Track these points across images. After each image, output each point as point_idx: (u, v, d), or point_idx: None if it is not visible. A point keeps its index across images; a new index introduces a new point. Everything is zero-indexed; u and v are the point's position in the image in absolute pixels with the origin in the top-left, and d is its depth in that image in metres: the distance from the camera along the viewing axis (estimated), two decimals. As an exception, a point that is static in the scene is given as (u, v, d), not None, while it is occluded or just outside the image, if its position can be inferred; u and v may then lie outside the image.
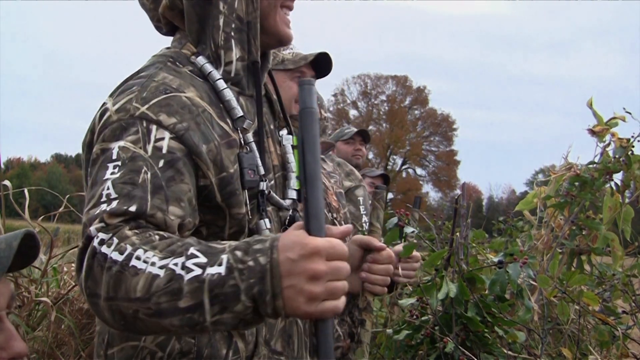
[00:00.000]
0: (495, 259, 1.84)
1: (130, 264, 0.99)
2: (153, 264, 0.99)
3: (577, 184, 2.30)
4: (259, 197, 1.29)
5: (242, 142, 1.29)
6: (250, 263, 0.98)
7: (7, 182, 2.47)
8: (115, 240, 1.03)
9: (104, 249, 1.03)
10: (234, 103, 1.30)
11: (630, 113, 2.28)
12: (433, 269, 1.94)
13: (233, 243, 1.02)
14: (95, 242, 1.03)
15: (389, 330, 1.97)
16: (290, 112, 2.26)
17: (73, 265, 2.88)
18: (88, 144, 1.24)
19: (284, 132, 1.47)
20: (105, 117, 1.20)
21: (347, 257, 1.02)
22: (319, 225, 1.01)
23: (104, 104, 1.24)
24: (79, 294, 2.63)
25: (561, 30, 70.46)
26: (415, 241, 2.16)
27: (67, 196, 2.92)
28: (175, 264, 0.99)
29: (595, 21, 70.44)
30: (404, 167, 41.89)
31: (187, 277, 0.97)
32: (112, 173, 1.10)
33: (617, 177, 2.30)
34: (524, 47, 69.87)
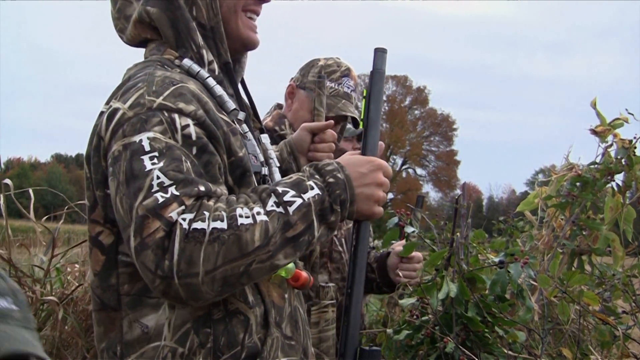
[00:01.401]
0: (496, 259, 1.83)
1: (239, 223, 1.10)
2: (258, 213, 1.12)
3: (578, 184, 2.30)
4: (262, 182, 1.36)
5: (240, 132, 1.34)
6: (331, 180, 1.22)
7: (8, 181, 2.43)
8: (206, 214, 1.10)
9: (197, 225, 1.08)
10: (226, 97, 1.34)
11: (632, 114, 2.28)
12: (433, 269, 1.93)
13: (299, 174, 1.23)
14: (185, 224, 1.08)
15: (389, 330, 1.97)
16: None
17: (77, 265, 2.86)
18: (95, 148, 1.24)
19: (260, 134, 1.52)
20: (118, 116, 1.19)
21: (391, 177, 1.34)
22: (372, 156, 1.34)
23: (109, 107, 1.23)
24: (83, 294, 2.61)
25: (561, 30, 70.51)
26: (417, 240, 2.16)
27: (73, 200, 2.90)
28: (272, 206, 1.14)
29: (595, 21, 70.48)
30: (404, 167, 41.90)
31: (292, 208, 1.15)
32: (154, 163, 1.13)
33: (619, 178, 2.30)
34: (524, 48, 69.94)
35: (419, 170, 42.84)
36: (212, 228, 1.08)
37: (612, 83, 66.26)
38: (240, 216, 1.11)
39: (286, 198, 1.16)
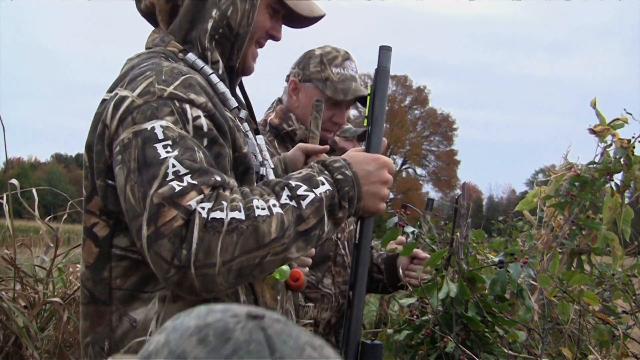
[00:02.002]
0: (496, 259, 1.84)
1: (256, 214, 1.10)
2: (274, 205, 1.12)
3: (577, 184, 2.30)
4: (259, 181, 1.36)
5: (243, 129, 1.35)
6: (339, 176, 1.22)
7: (14, 181, 2.40)
8: (224, 204, 1.09)
9: (216, 214, 1.08)
10: (229, 95, 1.34)
11: (631, 114, 2.28)
12: (433, 268, 1.94)
13: (309, 170, 1.23)
14: (203, 213, 1.07)
15: (389, 330, 1.97)
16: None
17: (78, 265, 2.86)
18: (99, 135, 1.22)
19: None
20: (126, 104, 1.18)
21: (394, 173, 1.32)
22: (376, 153, 1.33)
23: (115, 95, 1.21)
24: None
25: (561, 30, 70.44)
26: (428, 241, 2.16)
27: (75, 200, 2.90)
28: (286, 199, 1.15)
29: (595, 21, 70.42)
30: (404, 167, 41.87)
31: (305, 202, 1.16)
32: (168, 152, 1.11)
33: (618, 178, 2.30)
34: (524, 48, 69.89)
35: (419, 170, 42.84)
36: (231, 218, 1.08)
37: (612, 83, 66.23)
38: (257, 207, 1.11)
39: (299, 192, 1.17)
